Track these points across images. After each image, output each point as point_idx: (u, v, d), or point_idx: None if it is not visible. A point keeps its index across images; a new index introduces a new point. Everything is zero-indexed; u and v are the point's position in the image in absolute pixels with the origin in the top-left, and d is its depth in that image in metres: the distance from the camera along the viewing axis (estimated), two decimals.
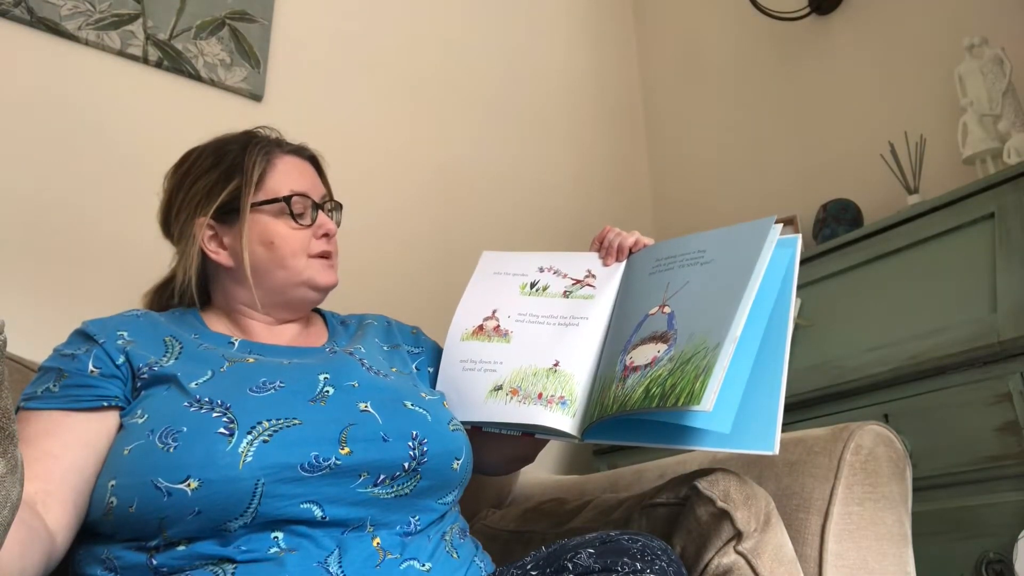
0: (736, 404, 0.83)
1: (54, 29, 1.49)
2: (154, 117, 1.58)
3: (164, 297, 1.01)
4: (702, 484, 0.86)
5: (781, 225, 0.92)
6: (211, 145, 0.99)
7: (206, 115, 1.64)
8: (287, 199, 0.95)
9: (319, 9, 1.89)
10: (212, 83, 1.67)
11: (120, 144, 1.53)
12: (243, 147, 0.97)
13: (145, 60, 1.59)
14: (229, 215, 0.95)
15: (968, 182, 1.45)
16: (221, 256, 0.95)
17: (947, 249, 1.39)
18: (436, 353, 1.08)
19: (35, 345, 1.01)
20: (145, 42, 1.59)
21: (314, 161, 1.04)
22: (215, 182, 0.95)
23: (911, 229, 1.46)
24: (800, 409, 1.45)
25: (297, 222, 0.95)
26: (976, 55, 1.60)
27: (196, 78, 1.65)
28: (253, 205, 0.94)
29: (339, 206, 1.04)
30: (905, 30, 1.85)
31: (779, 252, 0.92)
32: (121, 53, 1.56)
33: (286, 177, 0.97)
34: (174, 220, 0.98)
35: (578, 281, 1.05)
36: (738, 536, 0.81)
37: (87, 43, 1.53)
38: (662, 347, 0.87)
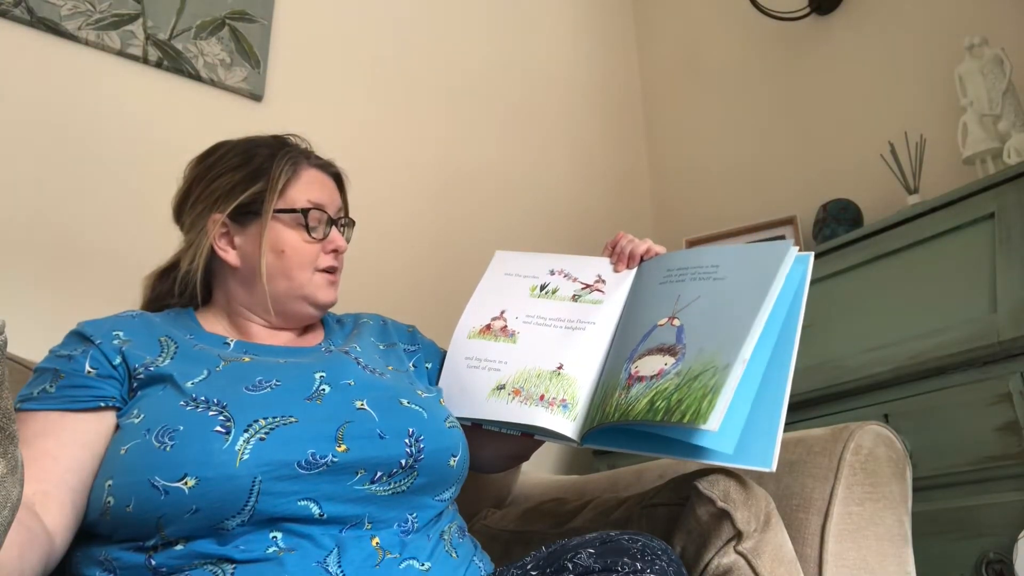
0: (741, 424, 0.83)
1: (54, 29, 1.49)
2: (154, 117, 1.58)
3: (165, 284, 1.01)
4: (702, 484, 0.86)
5: (797, 248, 0.92)
6: (241, 144, 1.00)
7: (206, 115, 1.64)
8: (305, 211, 0.95)
9: (319, 9, 1.89)
10: (212, 83, 1.67)
11: (120, 144, 1.53)
12: (272, 153, 0.98)
13: (145, 60, 1.59)
14: (245, 216, 0.95)
15: (968, 182, 1.45)
16: (229, 255, 0.96)
17: (947, 249, 1.39)
18: (433, 351, 1.08)
19: (35, 345, 1.01)
20: (145, 42, 1.59)
21: (337, 178, 1.05)
22: (238, 182, 0.96)
23: (911, 229, 1.46)
24: (800, 409, 1.45)
25: (310, 235, 0.96)
26: (976, 55, 1.60)
27: (196, 78, 1.65)
28: (273, 212, 0.94)
29: (352, 223, 1.05)
30: (905, 30, 1.85)
31: (791, 268, 0.91)
32: (121, 53, 1.56)
33: (308, 188, 0.98)
34: (189, 209, 0.98)
35: (588, 286, 1.05)
36: (738, 536, 0.81)
37: (87, 43, 1.53)
38: (670, 360, 0.87)
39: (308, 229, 0.96)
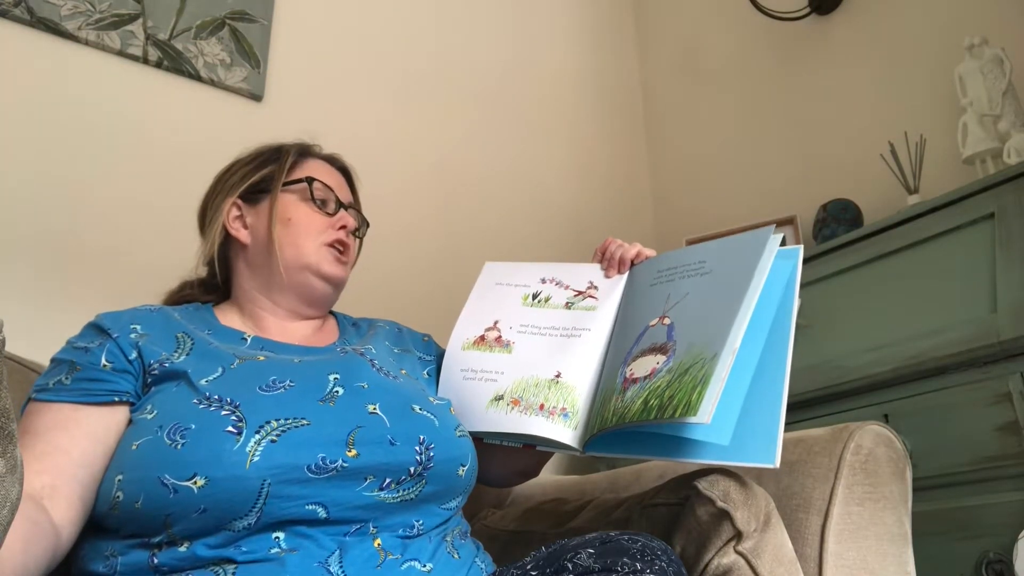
0: (735, 416, 0.83)
1: (54, 29, 1.49)
2: (154, 117, 1.58)
3: (188, 285, 1.05)
4: (702, 484, 0.86)
5: (782, 235, 0.92)
6: (254, 149, 1.06)
7: (206, 115, 1.64)
8: (309, 180, 1.00)
9: (319, 9, 1.89)
10: (212, 83, 1.67)
11: (120, 144, 1.53)
12: (281, 146, 1.05)
13: (145, 60, 1.59)
14: (256, 195, 1.00)
15: (968, 182, 1.45)
16: (241, 234, 1.00)
17: (947, 249, 1.39)
18: None
19: (35, 345, 1.01)
20: (145, 42, 1.59)
21: (345, 172, 1.09)
22: (250, 170, 1.02)
23: (911, 229, 1.46)
24: (800, 409, 1.45)
25: (317, 207, 1.00)
26: (976, 55, 1.60)
27: (196, 78, 1.65)
28: (281, 185, 1.00)
29: (365, 222, 1.09)
30: (905, 30, 1.85)
31: (781, 263, 0.91)
32: (121, 53, 1.56)
33: (314, 171, 1.03)
34: (208, 208, 1.03)
35: (580, 292, 1.04)
36: (738, 536, 0.81)
37: (87, 43, 1.53)
38: (661, 359, 0.86)
39: (314, 199, 1.00)
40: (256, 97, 1.72)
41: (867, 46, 1.93)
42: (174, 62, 1.62)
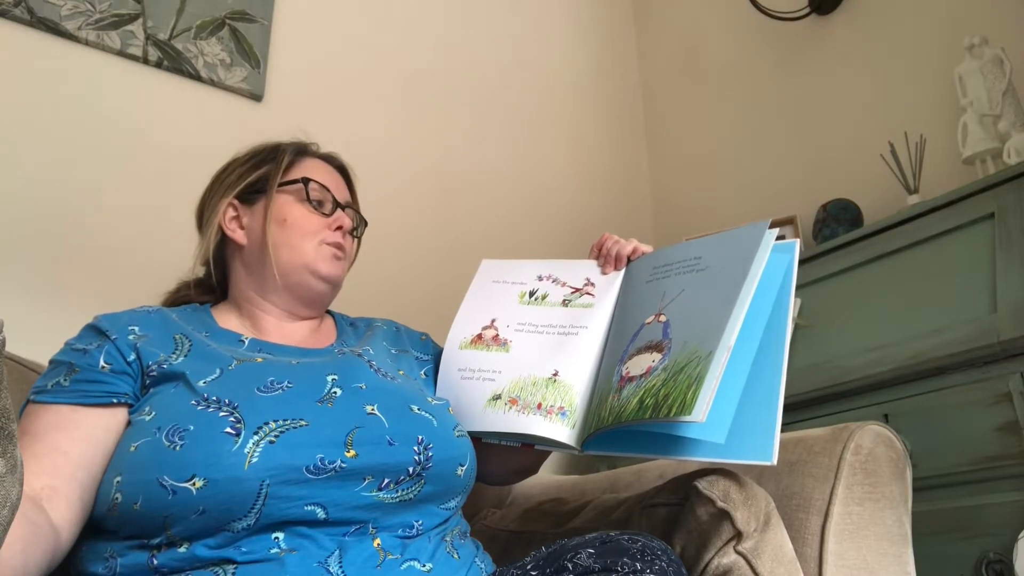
0: (731, 413, 0.82)
1: (54, 29, 1.49)
2: (154, 117, 1.58)
3: (179, 297, 1.04)
4: (702, 484, 0.86)
5: (776, 229, 0.91)
6: (250, 148, 1.06)
7: (206, 115, 1.64)
8: (305, 181, 0.99)
9: (319, 9, 1.89)
10: (212, 83, 1.67)
11: (120, 144, 1.53)
12: (278, 145, 1.04)
13: (145, 60, 1.59)
14: (252, 196, 1.00)
15: (968, 182, 1.45)
16: (237, 234, 0.99)
17: (947, 249, 1.39)
18: None
19: (35, 345, 1.01)
20: (145, 42, 1.59)
21: (343, 171, 1.09)
22: (247, 170, 1.01)
23: (911, 229, 1.46)
24: (800, 409, 1.45)
25: (312, 205, 0.99)
26: (976, 55, 1.60)
27: (196, 78, 1.65)
28: (277, 185, 0.99)
29: (363, 221, 1.08)
30: (905, 30, 1.85)
31: (777, 257, 0.91)
32: (121, 53, 1.56)
33: (311, 172, 1.02)
34: (206, 208, 1.03)
35: (577, 290, 1.04)
36: (738, 536, 0.81)
37: (87, 43, 1.53)
38: (657, 356, 0.86)
39: (309, 200, 0.99)
40: (256, 97, 1.72)
41: (867, 46, 1.93)
42: (174, 62, 1.62)
